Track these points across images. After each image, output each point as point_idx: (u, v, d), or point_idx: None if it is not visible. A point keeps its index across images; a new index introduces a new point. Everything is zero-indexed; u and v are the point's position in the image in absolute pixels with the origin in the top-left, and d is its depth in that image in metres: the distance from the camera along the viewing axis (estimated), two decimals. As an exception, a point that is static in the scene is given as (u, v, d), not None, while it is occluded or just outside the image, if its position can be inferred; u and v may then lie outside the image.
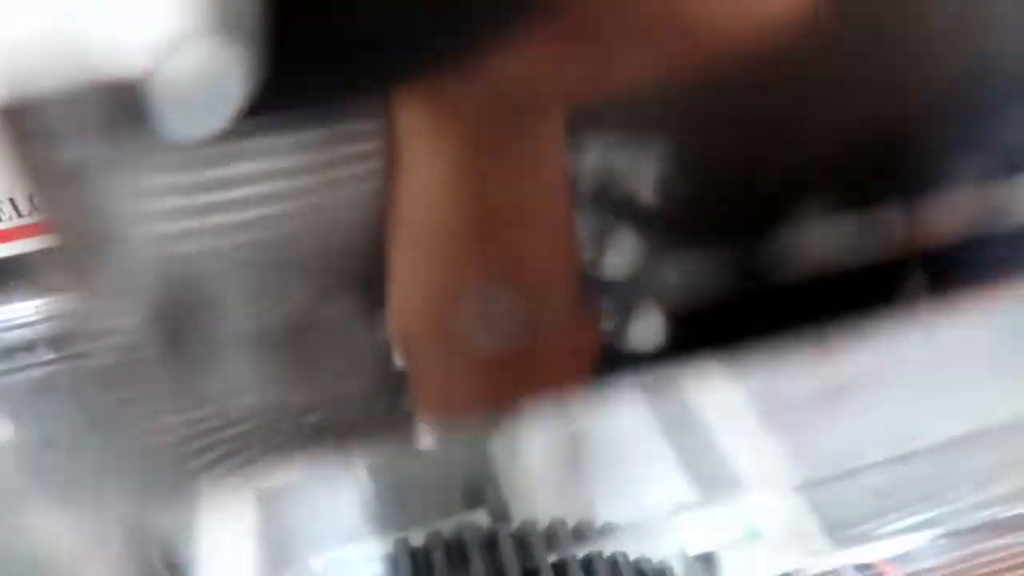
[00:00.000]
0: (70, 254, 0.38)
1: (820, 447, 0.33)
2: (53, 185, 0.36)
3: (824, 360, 0.34)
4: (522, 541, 0.30)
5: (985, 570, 0.29)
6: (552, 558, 0.29)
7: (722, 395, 0.35)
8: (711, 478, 0.33)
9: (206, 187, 0.36)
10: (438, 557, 0.29)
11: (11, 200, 0.43)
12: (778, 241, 0.36)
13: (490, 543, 0.30)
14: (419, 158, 0.33)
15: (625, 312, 0.38)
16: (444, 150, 0.32)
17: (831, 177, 0.37)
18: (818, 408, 0.34)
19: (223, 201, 0.36)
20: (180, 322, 0.37)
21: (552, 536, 0.30)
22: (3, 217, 0.44)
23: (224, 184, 0.36)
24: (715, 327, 0.36)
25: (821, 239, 0.36)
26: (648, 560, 0.29)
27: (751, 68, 0.28)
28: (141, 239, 0.36)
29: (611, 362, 0.40)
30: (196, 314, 0.37)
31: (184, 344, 0.37)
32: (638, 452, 0.35)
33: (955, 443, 0.32)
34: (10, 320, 0.42)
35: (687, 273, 0.36)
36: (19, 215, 0.44)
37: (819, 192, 0.37)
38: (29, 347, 0.42)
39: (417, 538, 0.30)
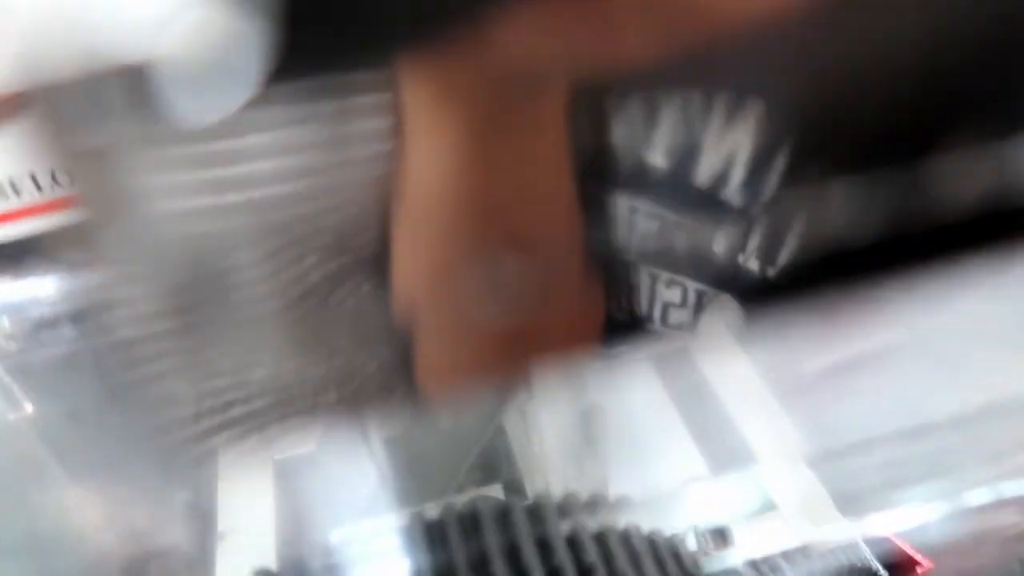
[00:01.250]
0: (91, 229, 0.38)
1: (833, 420, 0.33)
2: (73, 165, 0.37)
3: (838, 333, 0.34)
4: (536, 514, 0.30)
5: (998, 544, 0.29)
6: (565, 531, 0.29)
7: (735, 368, 0.35)
8: (724, 451, 0.33)
9: (219, 161, 0.36)
10: (453, 530, 0.30)
11: (32, 176, 0.44)
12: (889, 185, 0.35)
13: (504, 516, 0.30)
14: (422, 132, 0.33)
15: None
16: (446, 124, 0.32)
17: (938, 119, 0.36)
18: (831, 381, 0.34)
19: (236, 177, 0.37)
20: (197, 297, 0.37)
21: (566, 509, 0.30)
22: (23, 193, 0.44)
23: (237, 158, 0.36)
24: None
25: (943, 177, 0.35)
26: (661, 533, 0.30)
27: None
28: (159, 215, 0.37)
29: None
30: (212, 290, 0.37)
31: (201, 319, 0.37)
32: (651, 425, 0.35)
33: (969, 417, 0.31)
34: (33, 297, 0.43)
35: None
36: (39, 190, 0.44)
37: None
38: (52, 324, 0.43)
39: (432, 511, 0.30)
